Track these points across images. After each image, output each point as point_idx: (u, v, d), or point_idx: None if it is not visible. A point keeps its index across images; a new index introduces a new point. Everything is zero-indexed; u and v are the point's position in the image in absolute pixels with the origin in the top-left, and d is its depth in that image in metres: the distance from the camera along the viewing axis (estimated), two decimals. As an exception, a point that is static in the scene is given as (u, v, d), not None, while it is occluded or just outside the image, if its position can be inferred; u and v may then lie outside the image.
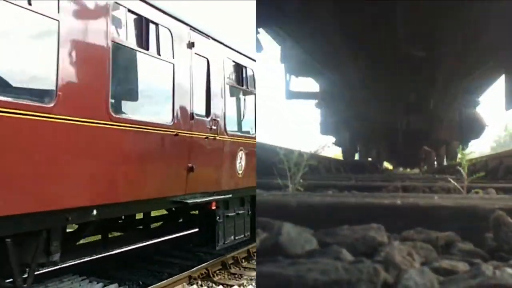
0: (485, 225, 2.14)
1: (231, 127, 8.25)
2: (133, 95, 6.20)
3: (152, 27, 5.83)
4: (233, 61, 8.22)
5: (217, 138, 7.44)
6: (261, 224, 2.21)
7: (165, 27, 6.16)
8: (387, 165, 22.63)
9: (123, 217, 7.46)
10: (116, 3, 5.24)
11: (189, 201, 6.41)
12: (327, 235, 2.05)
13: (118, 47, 5.32)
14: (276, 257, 1.68)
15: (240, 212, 8.23)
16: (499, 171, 7.89)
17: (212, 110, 7.34)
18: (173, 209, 8.60)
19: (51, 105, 4.34)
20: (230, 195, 7.63)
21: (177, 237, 9.61)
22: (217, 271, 7.41)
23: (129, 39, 5.54)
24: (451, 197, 3.29)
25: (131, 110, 6.06)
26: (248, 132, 9.02)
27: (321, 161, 10.78)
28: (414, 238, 2.13)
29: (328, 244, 1.89)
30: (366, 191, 4.16)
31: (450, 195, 4.13)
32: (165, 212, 9.07)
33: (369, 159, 18.76)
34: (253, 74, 9.02)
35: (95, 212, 5.00)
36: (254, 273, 7.27)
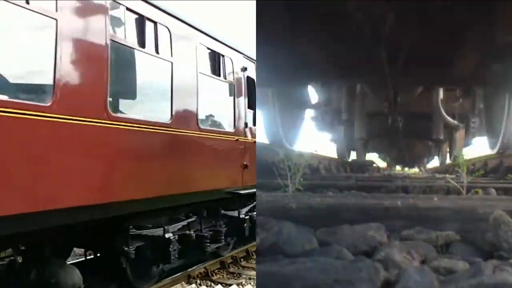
0: (484, 225, 2.15)
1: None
2: None
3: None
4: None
5: None
6: (261, 224, 2.21)
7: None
8: (386, 164, 21.84)
9: None
10: None
11: None
12: (327, 235, 2.05)
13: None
14: (276, 256, 1.69)
15: None
16: (499, 171, 7.90)
17: None
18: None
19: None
20: None
21: None
22: (216, 270, 7.38)
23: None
24: (450, 198, 3.30)
25: None
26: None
27: (321, 161, 10.78)
28: (414, 238, 2.14)
29: (328, 243, 1.89)
30: (366, 191, 4.17)
31: (450, 195, 4.15)
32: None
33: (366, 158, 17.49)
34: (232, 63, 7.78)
35: None
36: (252, 272, 7.25)
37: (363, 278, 1.42)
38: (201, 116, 6.57)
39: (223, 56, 7.50)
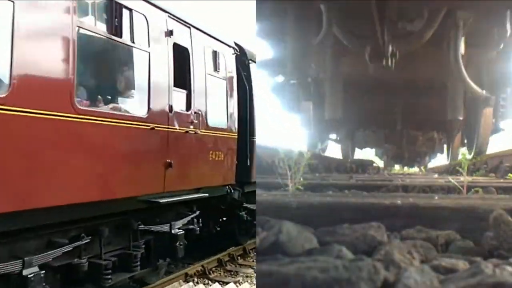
0: (484, 224, 2.15)
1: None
2: None
3: None
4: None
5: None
6: (261, 223, 2.21)
7: None
8: (385, 162, 21.23)
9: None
10: None
11: None
12: (327, 234, 2.05)
13: None
14: (276, 256, 1.69)
15: None
16: (499, 170, 7.90)
17: None
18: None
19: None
20: None
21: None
22: (213, 268, 7.42)
23: None
24: (451, 197, 3.30)
25: None
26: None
27: (321, 161, 10.77)
28: (414, 237, 2.14)
29: (328, 243, 1.89)
30: (366, 191, 4.17)
31: (450, 195, 4.15)
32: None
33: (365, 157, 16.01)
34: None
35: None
36: (250, 270, 7.31)
37: (363, 277, 1.41)
38: (82, 90, 4.69)
39: (130, 10, 5.25)
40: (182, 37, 6.33)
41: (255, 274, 7.03)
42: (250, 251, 8.53)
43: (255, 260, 7.99)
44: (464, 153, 4.23)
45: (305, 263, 1.51)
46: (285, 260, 1.59)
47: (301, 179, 3.68)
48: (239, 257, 8.18)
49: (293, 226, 1.95)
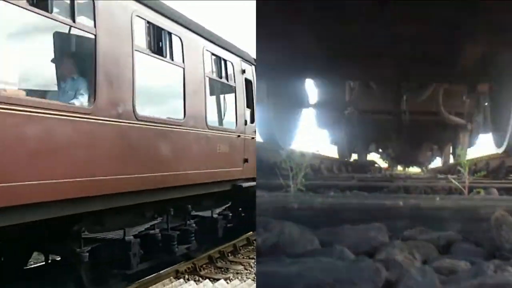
0: (486, 225, 2.15)
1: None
2: None
3: None
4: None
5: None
6: (263, 224, 2.21)
7: None
8: (387, 164, 21.30)
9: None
10: None
11: None
12: (328, 235, 2.06)
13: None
14: (278, 256, 1.69)
15: None
16: (501, 170, 7.89)
17: None
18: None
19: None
20: None
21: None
22: (204, 265, 7.41)
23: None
24: (452, 198, 3.30)
25: None
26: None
27: (323, 161, 10.77)
28: (416, 238, 2.14)
29: (329, 244, 1.89)
30: (367, 192, 4.17)
31: (452, 195, 4.14)
32: None
33: (368, 158, 17.23)
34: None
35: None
36: (240, 267, 7.31)
37: (365, 278, 1.42)
38: None
39: None
40: None
41: (245, 271, 7.03)
42: (241, 248, 8.51)
43: (245, 257, 7.99)
44: (464, 154, 4.22)
45: (307, 264, 1.52)
46: (287, 261, 1.59)
47: (303, 180, 3.68)
48: (229, 254, 8.17)
49: (295, 227, 1.95)
